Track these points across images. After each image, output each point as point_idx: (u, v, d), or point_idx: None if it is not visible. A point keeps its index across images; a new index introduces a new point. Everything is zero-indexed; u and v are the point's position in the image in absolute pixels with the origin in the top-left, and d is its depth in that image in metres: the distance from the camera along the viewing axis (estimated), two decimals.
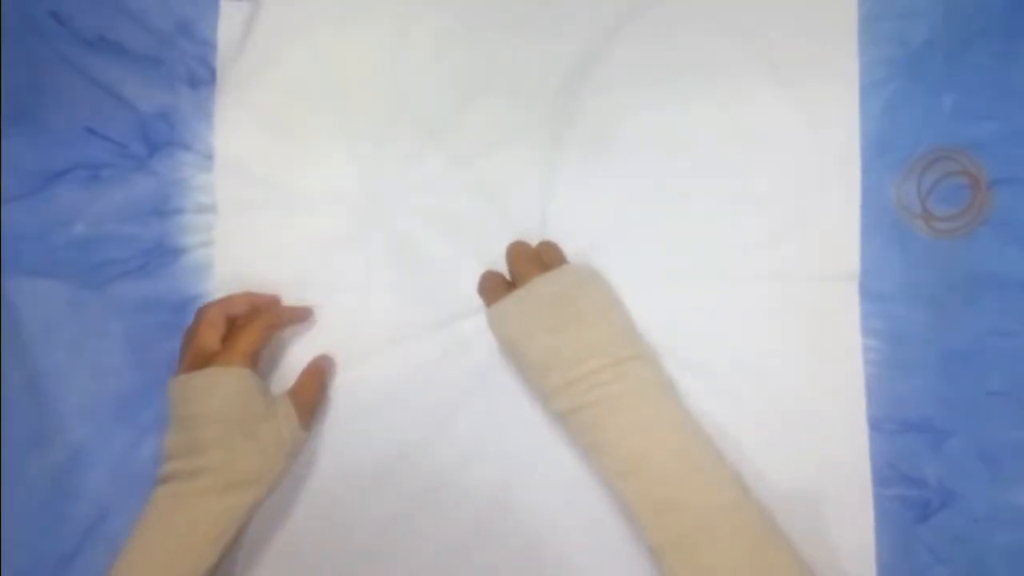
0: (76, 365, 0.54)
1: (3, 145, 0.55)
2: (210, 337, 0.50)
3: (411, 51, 0.55)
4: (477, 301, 0.53)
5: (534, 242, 0.53)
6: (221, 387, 0.47)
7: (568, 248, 0.53)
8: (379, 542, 0.52)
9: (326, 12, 0.56)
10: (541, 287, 0.48)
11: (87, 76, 0.56)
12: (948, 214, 0.52)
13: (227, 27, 0.56)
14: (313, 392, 0.52)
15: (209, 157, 0.56)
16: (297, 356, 0.54)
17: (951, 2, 0.52)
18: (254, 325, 0.50)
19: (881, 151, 0.53)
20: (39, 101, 0.56)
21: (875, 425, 0.52)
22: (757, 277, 0.52)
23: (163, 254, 0.56)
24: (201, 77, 0.56)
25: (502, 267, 0.53)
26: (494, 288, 0.50)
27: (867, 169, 0.53)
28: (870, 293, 0.52)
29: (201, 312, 0.51)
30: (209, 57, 0.56)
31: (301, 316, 0.54)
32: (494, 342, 0.52)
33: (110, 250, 0.55)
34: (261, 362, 0.52)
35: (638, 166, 0.54)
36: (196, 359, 0.49)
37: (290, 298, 0.55)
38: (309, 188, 0.55)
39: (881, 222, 0.52)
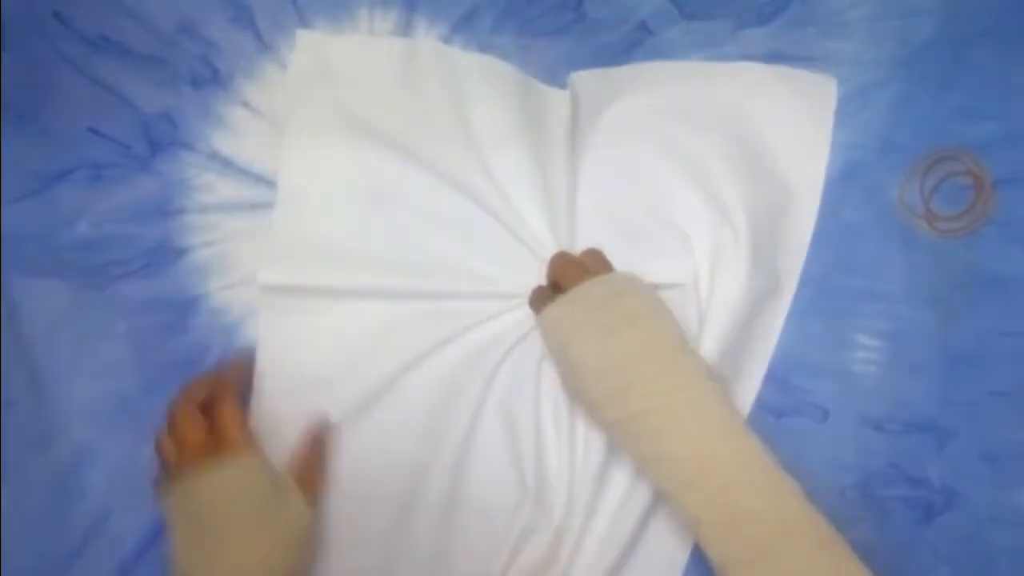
0: (78, 365, 0.54)
1: (6, 145, 0.55)
2: (196, 433, 0.47)
3: (417, 55, 0.56)
4: (483, 303, 0.53)
5: (549, 246, 0.53)
6: (231, 480, 0.45)
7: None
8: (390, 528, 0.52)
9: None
10: (592, 289, 0.47)
11: (90, 76, 0.56)
12: (951, 214, 0.52)
13: (303, 53, 0.56)
14: (316, 470, 0.50)
15: (211, 157, 0.56)
16: (302, 363, 0.54)
17: (954, 2, 0.52)
18: (228, 401, 0.48)
19: (884, 151, 0.53)
20: (42, 101, 0.56)
21: (878, 426, 0.52)
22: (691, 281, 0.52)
23: (166, 254, 0.56)
24: (204, 77, 0.56)
25: (506, 268, 0.53)
26: (543, 299, 0.50)
27: (870, 169, 0.53)
28: (873, 293, 0.52)
29: (173, 414, 0.48)
30: (212, 57, 0.56)
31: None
32: (504, 345, 0.52)
33: (113, 250, 0.55)
34: None
35: (635, 166, 0.55)
36: (189, 460, 0.46)
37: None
38: (311, 189, 0.55)
39: (884, 222, 0.52)
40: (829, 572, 0.40)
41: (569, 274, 0.49)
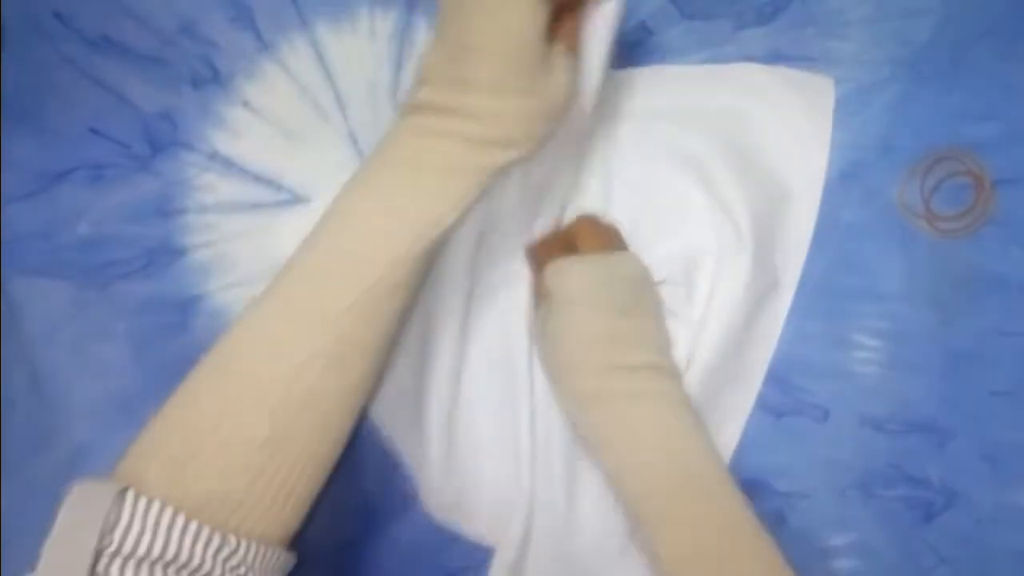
0: (79, 365, 0.54)
1: (6, 145, 0.55)
2: None
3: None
4: (485, 303, 0.53)
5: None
6: (505, 12, 0.37)
7: None
8: None
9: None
10: (622, 264, 0.48)
11: (90, 76, 0.56)
12: (951, 214, 0.52)
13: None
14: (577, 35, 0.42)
15: (212, 157, 0.56)
16: None
17: (954, 2, 0.52)
18: None
19: (884, 151, 0.53)
20: (42, 101, 0.56)
21: (878, 425, 0.51)
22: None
23: (166, 254, 0.56)
24: (204, 77, 0.56)
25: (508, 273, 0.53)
26: (550, 248, 0.49)
27: (870, 169, 0.53)
28: (873, 293, 0.52)
29: None
30: (212, 57, 0.56)
31: None
32: (507, 345, 0.52)
33: (113, 250, 0.55)
34: None
35: (636, 168, 0.55)
36: None
37: None
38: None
39: (884, 222, 0.52)
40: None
41: (592, 239, 0.49)
